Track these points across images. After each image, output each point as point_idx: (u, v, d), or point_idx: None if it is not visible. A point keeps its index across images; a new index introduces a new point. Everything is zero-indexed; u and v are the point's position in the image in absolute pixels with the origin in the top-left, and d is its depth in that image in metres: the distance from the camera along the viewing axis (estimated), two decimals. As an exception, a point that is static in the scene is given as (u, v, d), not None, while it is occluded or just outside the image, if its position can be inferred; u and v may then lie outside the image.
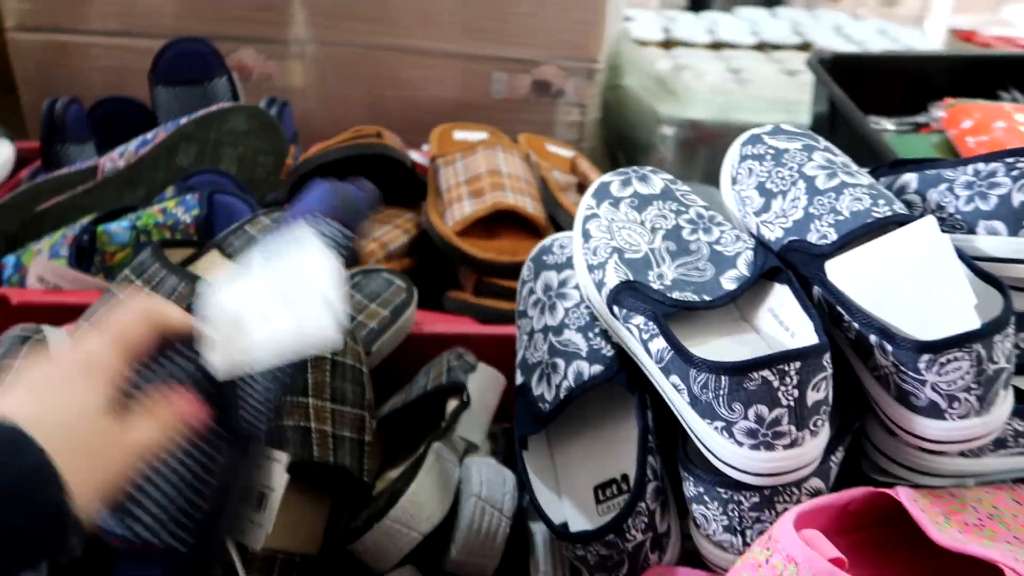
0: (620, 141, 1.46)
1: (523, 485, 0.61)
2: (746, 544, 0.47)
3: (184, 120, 0.94)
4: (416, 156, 1.01)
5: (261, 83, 1.28)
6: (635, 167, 0.60)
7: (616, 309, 0.52)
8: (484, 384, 0.70)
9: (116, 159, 0.93)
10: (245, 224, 0.78)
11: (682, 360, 0.46)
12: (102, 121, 1.09)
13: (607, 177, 0.59)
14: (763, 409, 0.43)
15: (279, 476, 0.54)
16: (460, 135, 1.01)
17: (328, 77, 1.29)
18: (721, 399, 0.44)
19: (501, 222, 0.86)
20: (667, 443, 0.54)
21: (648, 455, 0.51)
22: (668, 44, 1.67)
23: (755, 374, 0.43)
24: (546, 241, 0.63)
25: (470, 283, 0.83)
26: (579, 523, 0.54)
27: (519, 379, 0.59)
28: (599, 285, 0.54)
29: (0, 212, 0.89)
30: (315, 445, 0.58)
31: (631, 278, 0.52)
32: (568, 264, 0.61)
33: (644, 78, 1.42)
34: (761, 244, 0.54)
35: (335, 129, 1.23)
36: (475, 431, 0.67)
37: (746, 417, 0.44)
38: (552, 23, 1.26)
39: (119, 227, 0.81)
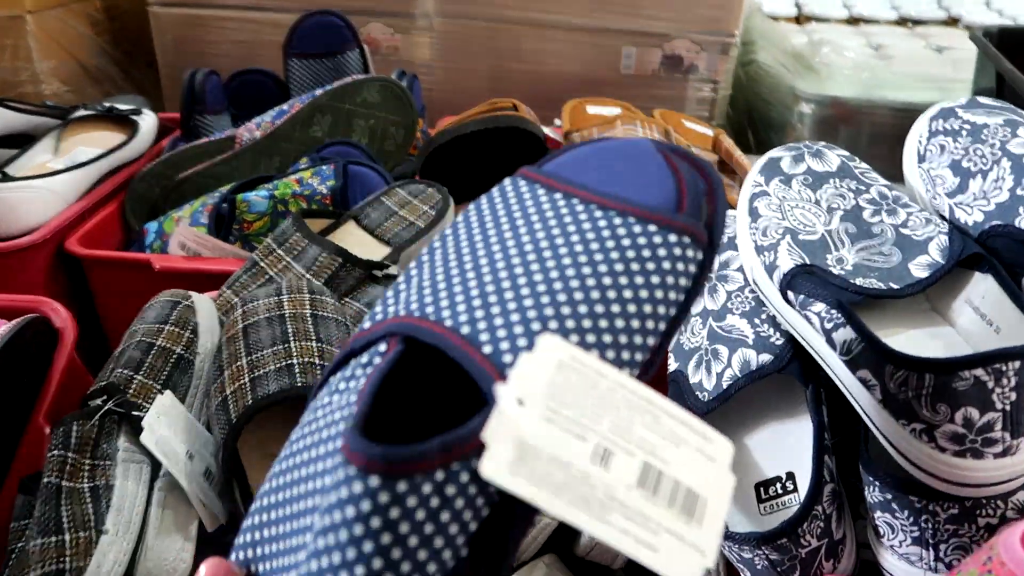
0: (751, 119, 1.39)
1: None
2: (938, 559, 0.43)
3: (319, 92, 0.94)
4: (547, 131, 0.98)
5: (388, 56, 1.28)
6: (807, 142, 0.55)
7: (791, 295, 0.48)
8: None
9: (253, 129, 0.94)
10: (381, 196, 0.77)
11: (876, 354, 0.42)
12: (237, 92, 1.11)
13: (776, 152, 0.55)
14: (973, 412, 0.39)
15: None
16: (593, 110, 0.98)
17: (453, 51, 1.28)
18: (923, 399, 0.40)
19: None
20: (838, 442, 0.49)
21: (824, 454, 0.47)
22: (801, 19, 1.59)
23: (967, 373, 0.38)
24: (704, 220, 0.60)
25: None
26: (739, 522, 0.50)
27: (672, 364, 0.56)
28: (770, 268, 0.50)
29: (143, 179, 0.91)
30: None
31: (807, 261, 0.48)
32: (731, 245, 0.57)
33: (779, 53, 1.35)
34: (956, 228, 0.49)
35: (459, 102, 1.22)
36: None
37: (952, 420, 0.39)
38: (686, -4, 1.21)
39: (257, 196, 0.82)
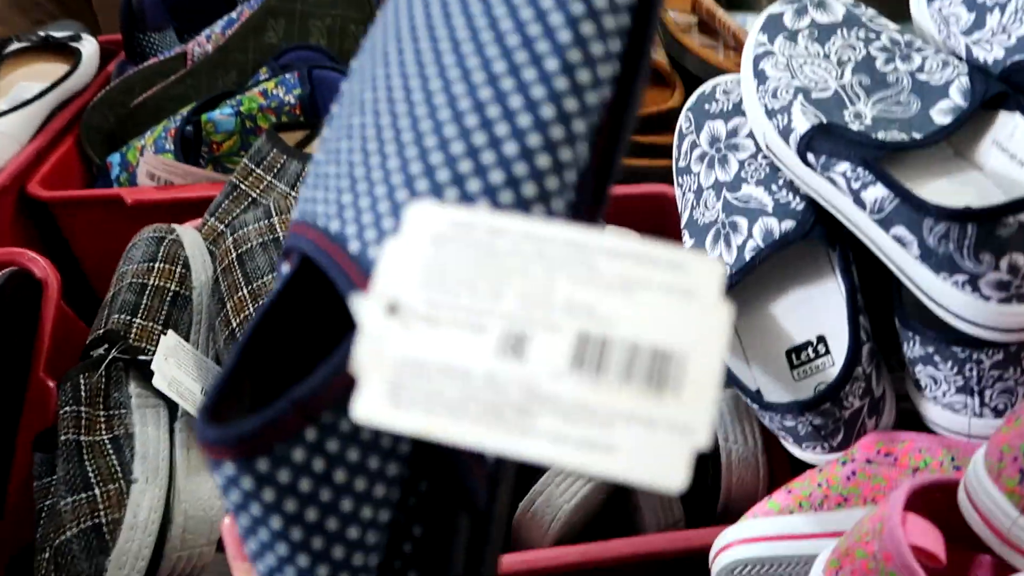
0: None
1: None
2: (983, 405, 0.43)
3: (269, -6, 0.88)
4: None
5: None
6: (808, -8, 0.52)
7: (811, 157, 0.46)
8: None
9: (203, 43, 0.88)
10: (356, 100, 0.73)
11: (912, 208, 0.40)
12: (178, 4, 1.03)
13: (776, 8, 0.52)
14: (1019, 258, 0.38)
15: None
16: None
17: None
18: (966, 250, 0.39)
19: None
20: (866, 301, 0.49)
21: (859, 315, 0.46)
22: None
23: (1011, 219, 0.37)
24: (705, 87, 0.57)
25: (596, 144, 0.77)
26: (775, 391, 0.50)
27: (688, 242, 0.54)
28: (784, 131, 0.48)
29: (96, 110, 0.85)
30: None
31: (824, 120, 0.46)
32: (737, 111, 0.55)
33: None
34: (976, 68, 0.47)
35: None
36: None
37: (996, 268, 0.38)
38: None
39: (223, 115, 0.77)
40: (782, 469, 0.55)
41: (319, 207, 0.26)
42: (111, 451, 0.47)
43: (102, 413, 0.48)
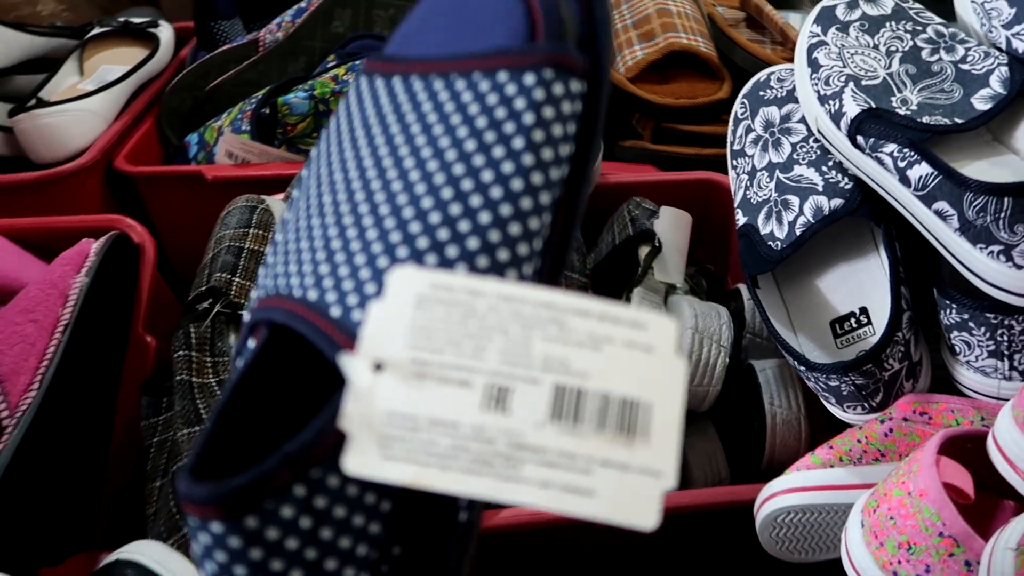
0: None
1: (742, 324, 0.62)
2: (1013, 368, 0.47)
3: (336, -15, 0.93)
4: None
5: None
6: (858, -12, 0.56)
7: (860, 140, 0.50)
8: (672, 225, 0.70)
9: (274, 31, 0.93)
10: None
11: (954, 184, 0.44)
12: (245, -6, 1.09)
13: (829, 1, 0.56)
14: (1051, 229, 0.42)
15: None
16: (613, -23, 0.97)
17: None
18: (1001, 222, 0.43)
19: (672, 64, 0.83)
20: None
21: (901, 285, 0.50)
22: None
23: (1045, 193, 0.41)
24: (760, 76, 0.61)
25: (647, 130, 0.82)
26: (819, 357, 0.54)
27: (741, 219, 0.58)
28: (836, 116, 0.52)
29: (174, 92, 0.91)
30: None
31: (873, 105, 0.50)
32: (790, 98, 0.59)
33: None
34: (1015, 59, 0.50)
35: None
36: (672, 272, 0.67)
37: (1030, 238, 0.42)
38: None
39: (297, 98, 0.82)
40: (822, 434, 0.59)
41: (292, 279, 0.27)
42: (217, 391, 0.52)
43: (208, 359, 0.53)
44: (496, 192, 0.25)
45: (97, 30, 0.96)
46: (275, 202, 0.65)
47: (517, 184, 0.25)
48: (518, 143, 0.25)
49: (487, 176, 0.25)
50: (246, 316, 0.29)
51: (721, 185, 0.73)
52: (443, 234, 0.24)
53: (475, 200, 0.25)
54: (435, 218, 0.24)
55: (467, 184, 0.25)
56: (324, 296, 0.25)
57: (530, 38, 0.26)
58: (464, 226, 0.24)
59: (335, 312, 0.24)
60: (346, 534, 0.23)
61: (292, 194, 0.32)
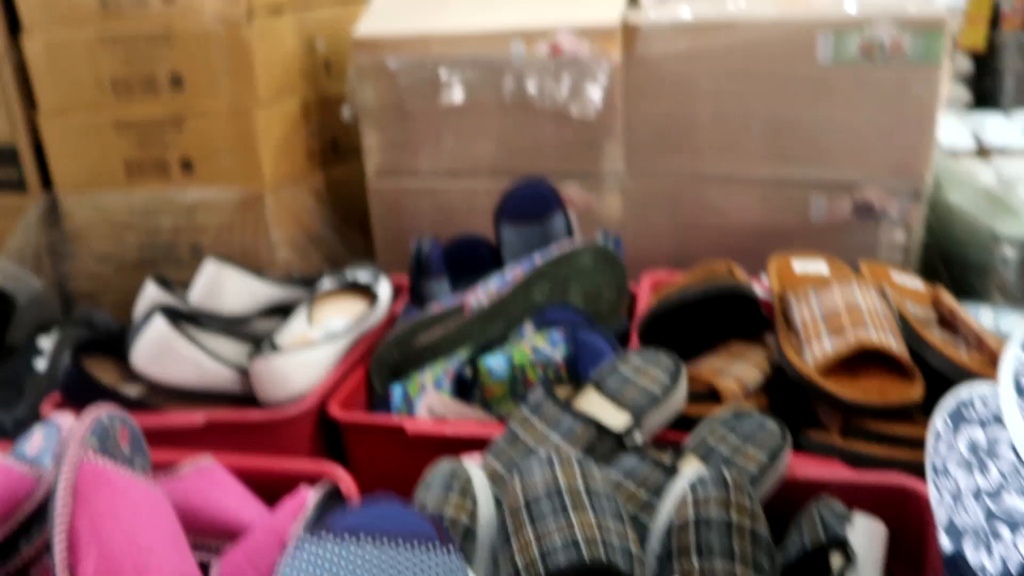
0: (944, 262, 1.39)
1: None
2: None
3: (538, 260, 1.03)
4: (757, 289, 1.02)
5: (582, 216, 1.37)
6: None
7: (1080, 481, 0.49)
8: (868, 537, 0.68)
9: (480, 297, 1.03)
10: (617, 362, 0.83)
11: None
12: (454, 259, 1.21)
13: (1036, 332, 0.57)
14: None
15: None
16: (800, 267, 1.01)
17: (640, 207, 1.35)
18: None
19: (860, 359, 0.84)
20: None
21: None
22: (983, 152, 1.58)
23: None
24: (963, 394, 0.61)
25: (835, 424, 0.82)
26: None
27: (947, 545, 0.57)
28: (1050, 451, 0.51)
29: (390, 347, 1.01)
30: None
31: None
32: (997, 421, 0.58)
33: (970, 192, 1.35)
34: None
35: (646, 256, 1.29)
36: (869, 589, 0.65)
37: None
38: (874, 142, 1.24)
39: (497, 363, 0.89)
40: None
41: None
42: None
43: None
44: None
45: (327, 285, 1.10)
46: (475, 470, 0.69)
47: None
48: None
49: None
50: None
51: (918, 495, 0.71)
52: None
53: None
54: None
55: None
56: None
57: None
58: None
59: None
60: None
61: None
